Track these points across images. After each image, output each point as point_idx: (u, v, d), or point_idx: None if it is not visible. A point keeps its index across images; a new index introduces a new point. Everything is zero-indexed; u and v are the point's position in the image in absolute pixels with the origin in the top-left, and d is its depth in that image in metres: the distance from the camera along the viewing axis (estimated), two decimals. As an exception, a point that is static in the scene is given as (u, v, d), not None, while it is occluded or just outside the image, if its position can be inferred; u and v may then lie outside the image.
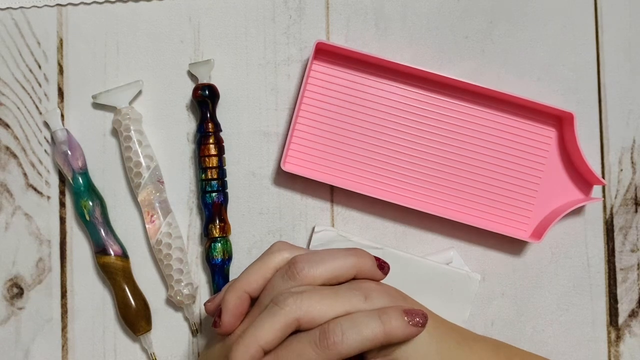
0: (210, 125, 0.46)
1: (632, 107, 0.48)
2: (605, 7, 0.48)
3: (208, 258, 0.45)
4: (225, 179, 0.46)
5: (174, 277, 0.45)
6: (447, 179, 0.47)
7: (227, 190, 0.46)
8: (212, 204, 0.45)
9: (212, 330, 0.36)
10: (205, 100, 0.46)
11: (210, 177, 0.45)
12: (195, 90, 0.46)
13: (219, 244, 0.45)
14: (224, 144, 0.46)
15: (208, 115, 0.46)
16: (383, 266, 0.36)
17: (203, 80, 0.46)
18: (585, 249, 0.48)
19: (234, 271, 0.46)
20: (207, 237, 0.45)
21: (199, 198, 0.46)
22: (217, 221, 0.45)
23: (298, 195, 0.47)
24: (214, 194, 0.45)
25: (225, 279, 0.46)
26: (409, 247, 0.47)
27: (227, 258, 0.46)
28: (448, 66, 0.48)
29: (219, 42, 0.48)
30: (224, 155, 0.46)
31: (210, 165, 0.45)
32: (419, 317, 0.33)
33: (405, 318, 0.33)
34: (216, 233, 0.45)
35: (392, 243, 0.47)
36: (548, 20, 0.48)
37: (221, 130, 0.46)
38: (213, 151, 0.45)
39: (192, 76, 0.47)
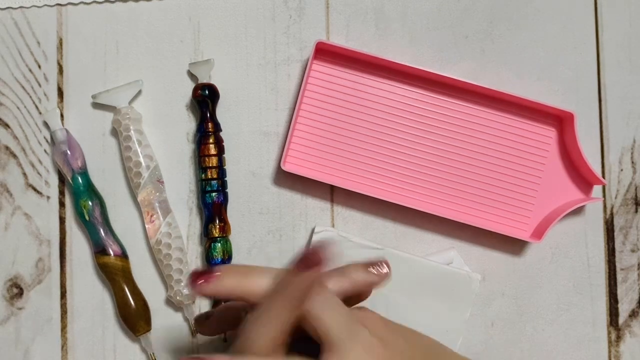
0: (210, 125, 0.46)
1: (632, 107, 0.48)
2: (605, 7, 0.48)
3: (208, 258, 0.45)
4: (225, 178, 0.46)
5: (173, 277, 0.45)
6: (447, 179, 0.47)
7: (227, 190, 0.46)
8: (212, 204, 0.45)
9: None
10: (205, 100, 0.45)
11: (210, 177, 0.45)
12: (195, 90, 0.46)
13: (219, 244, 0.45)
14: (223, 143, 0.46)
15: (208, 115, 0.46)
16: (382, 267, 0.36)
17: (203, 80, 0.46)
18: (586, 249, 0.48)
19: (234, 271, 0.46)
20: (207, 237, 0.45)
21: (199, 198, 0.46)
22: (217, 221, 0.45)
23: (298, 195, 0.47)
24: (213, 194, 0.45)
25: (225, 279, 0.46)
26: (409, 247, 0.47)
27: (227, 258, 0.45)
28: (448, 66, 0.48)
29: (219, 42, 0.47)
30: (224, 155, 0.46)
31: (210, 165, 0.45)
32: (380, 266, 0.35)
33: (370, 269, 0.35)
34: (216, 233, 0.45)
35: (392, 243, 0.47)
36: (548, 20, 0.48)
37: (221, 130, 0.46)
38: (213, 151, 0.45)
39: (192, 76, 0.47)
